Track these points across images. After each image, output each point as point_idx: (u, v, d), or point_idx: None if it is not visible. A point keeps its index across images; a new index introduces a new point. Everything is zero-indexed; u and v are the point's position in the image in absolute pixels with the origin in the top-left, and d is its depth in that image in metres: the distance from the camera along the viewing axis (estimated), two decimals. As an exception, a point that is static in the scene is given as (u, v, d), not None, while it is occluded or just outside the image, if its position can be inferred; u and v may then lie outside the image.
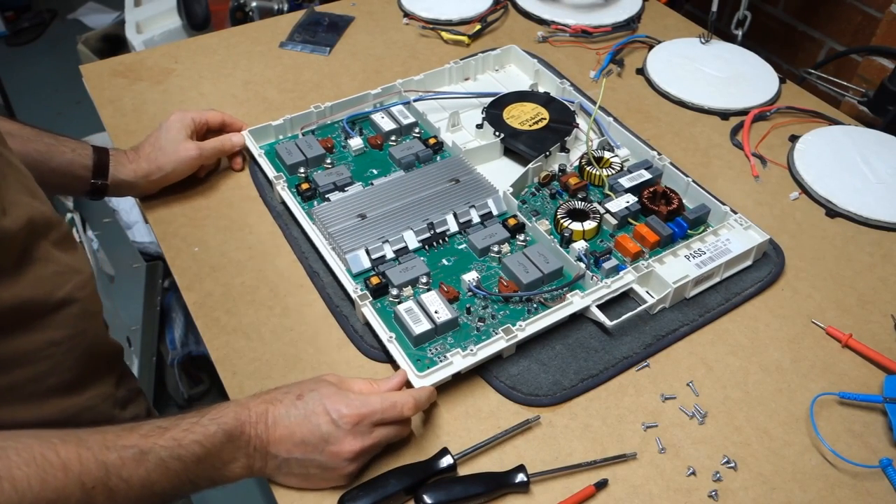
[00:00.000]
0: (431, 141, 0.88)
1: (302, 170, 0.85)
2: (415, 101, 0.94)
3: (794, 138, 0.96)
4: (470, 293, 0.73)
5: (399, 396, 0.60)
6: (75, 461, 0.47)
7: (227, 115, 0.87)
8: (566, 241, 0.77)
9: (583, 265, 0.73)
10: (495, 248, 0.76)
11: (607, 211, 0.80)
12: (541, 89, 0.99)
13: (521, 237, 0.78)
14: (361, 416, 0.57)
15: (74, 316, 0.60)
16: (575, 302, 0.70)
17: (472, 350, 0.66)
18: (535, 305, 0.72)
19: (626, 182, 0.83)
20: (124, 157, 0.79)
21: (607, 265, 0.74)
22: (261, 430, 0.56)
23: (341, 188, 0.83)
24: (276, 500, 0.60)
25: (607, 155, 0.87)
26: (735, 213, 0.80)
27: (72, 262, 0.61)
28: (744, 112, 1.00)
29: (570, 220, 0.78)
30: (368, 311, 0.69)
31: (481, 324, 0.70)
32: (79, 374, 0.62)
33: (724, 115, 1.00)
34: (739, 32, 1.12)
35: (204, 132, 0.85)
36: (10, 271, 0.54)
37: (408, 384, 0.64)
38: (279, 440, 0.56)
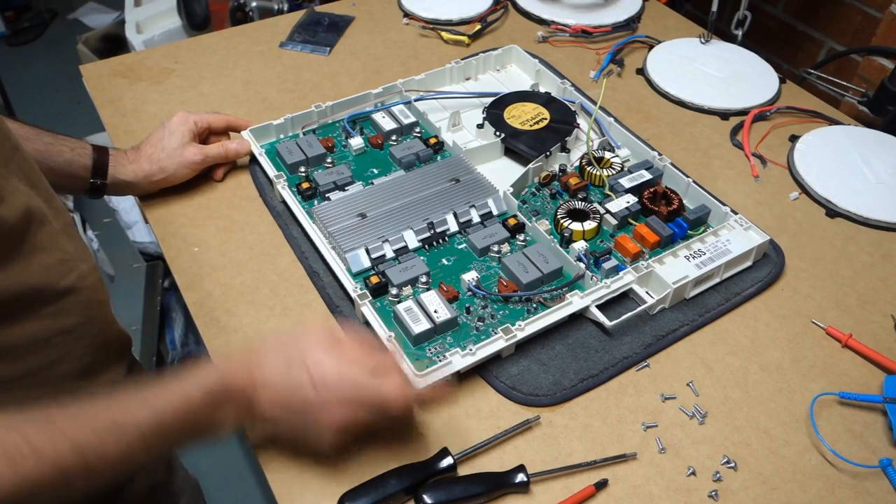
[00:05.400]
0: (432, 140, 0.88)
1: (302, 169, 0.85)
2: (416, 100, 0.94)
3: (794, 138, 0.96)
4: (469, 293, 0.73)
5: (391, 394, 0.57)
6: (48, 448, 0.46)
7: (231, 118, 0.87)
8: (566, 241, 0.77)
9: (582, 265, 0.73)
10: (495, 248, 0.76)
11: (607, 211, 0.80)
12: (542, 89, 0.99)
13: (521, 237, 0.78)
14: (347, 399, 0.56)
15: (81, 304, 0.61)
16: (574, 302, 0.70)
17: (471, 350, 0.66)
18: (534, 305, 0.72)
19: (626, 182, 0.83)
20: (124, 157, 0.79)
21: (607, 265, 0.74)
22: (246, 383, 0.56)
23: (342, 187, 0.83)
24: (276, 499, 0.60)
25: (608, 155, 0.87)
26: (735, 213, 0.80)
27: (76, 252, 0.61)
28: (744, 112, 1.00)
29: (570, 220, 0.78)
30: (368, 311, 0.69)
31: (481, 323, 0.70)
32: (90, 361, 0.63)
33: (724, 115, 1.00)
34: (739, 32, 1.12)
35: (206, 135, 0.85)
36: (12, 258, 0.54)
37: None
38: (264, 403, 0.56)
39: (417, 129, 0.91)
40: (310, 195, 0.82)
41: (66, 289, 0.59)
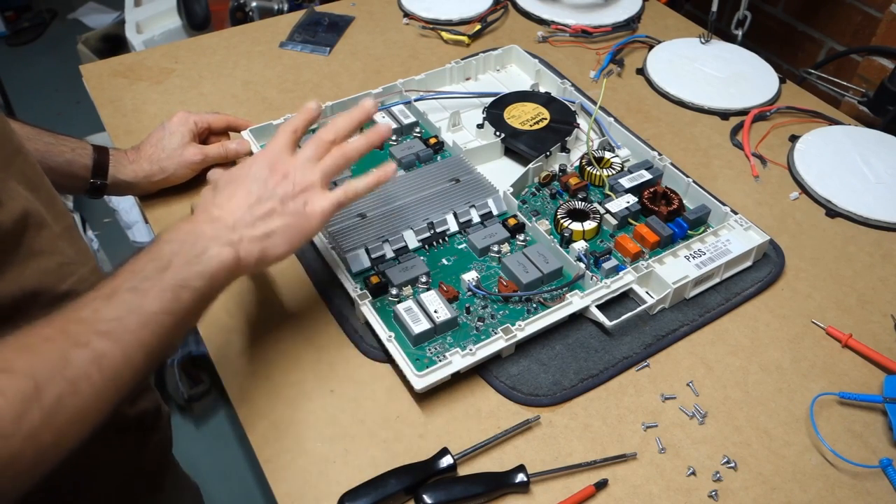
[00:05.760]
0: (432, 140, 0.88)
1: (302, 169, 0.84)
2: (416, 100, 0.94)
3: (794, 138, 0.96)
4: (469, 293, 0.73)
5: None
6: (57, 331, 0.46)
7: (231, 118, 0.87)
8: (566, 241, 0.77)
9: (582, 265, 0.73)
10: (495, 248, 0.76)
11: (607, 211, 0.80)
12: (542, 89, 0.99)
13: (521, 237, 0.78)
14: (285, 154, 0.59)
15: None
16: (574, 302, 0.70)
17: (471, 350, 0.65)
18: (534, 305, 0.72)
19: (626, 182, 0.83)
20: (124, 158, 0.79)
21: (607, 265, 0.74)
22: (204, 213, 0.56)
23: (341, 188, 0.83)
24: (276, 500, 0.60)
25: (608, 155, 0.87)
26: (735, 213, 0.80)
27: (76, 255, 0.61)
28: (744, 112, 1.00)
29: (570, 220, 0.78)
30: (368, 311, 0.69)
31: (481, 323, 0.70)
32: None
33: (724, 115, 1.00)
34: (739, 32, 1.12)
35: (206, 136, 0.85)
36: (7, 264, 0.54)
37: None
38: (224, 204, 0.56)
39: (417, 129, 0.91)
40: (310, 195, 0.82)
41: (66, 292, 0.58)
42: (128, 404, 0.70)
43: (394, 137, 0.90)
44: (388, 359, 0.67)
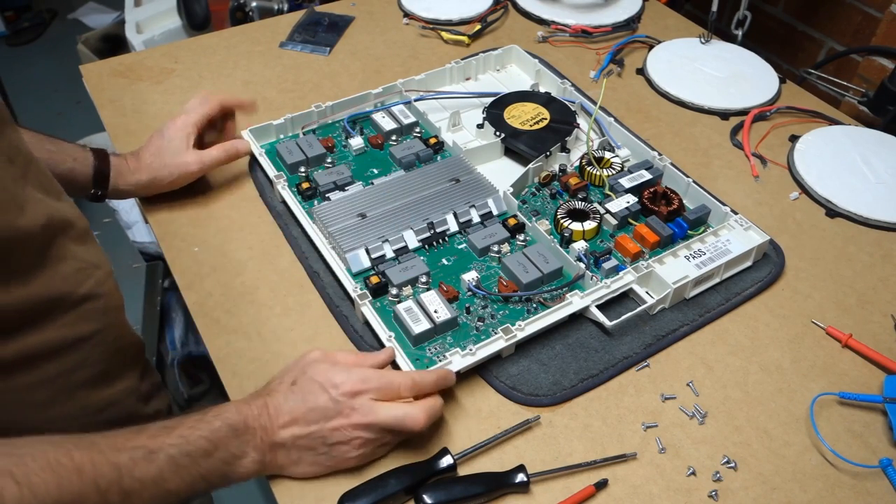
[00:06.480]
0: (432, 140, 0.88)
1: (302, 169, 0.85)
2: (416, 100, 0.94)
3: (794, 138, 0.96)
4: (469, 293, 0.73)
5: (396, 376, 0.59)
6: (89, 464, 0.47)
7: (225, 97, 0.84)
8: (566, 241, 0.77)
9: (582, 265, 0.73)
10: (495, 248, 0.76)
11: (607, 211, 0.80)
12: (542, 89, 0.99)
13: (521, 237, 0.78)
14: (356, 391, 0.57)
15: (98, 311, 0.61)
16: (574, 302, 0.70)
17: (471, 350, 0.66)
18: (534, 305, 0.72)
19: (626, 182, 0.83)
20: (125, 167, 0.79)
21: (607, 265, 0.74)
22: (265, 422, 0.57)
23: (341, 187, 0.83)
24: (276, 500, 0.60)
25: (608, 155, 0.87)
26: (735, 213, 0.80)
27: (92, 258, 0.61)
28: (744, 112, 1.00)
29: (570, 220, 0.78)
30: (368, 311, 0.69)
31: (481, 323, 0.70)
32: (106, 367, 0.63)
33: (724, 115, 1.00)
34: (739, 32, 1.12)
35: (207, 127, 0.85)
36: (33, 269, 0.55)
37: (394, 364, 0.64)
38: (283, 426, 0.57)
39: (417, 129, 0.91)
40: (310, 195, 0.82)
41: (84, 296, 0.59)
42: (143, 403, 0.70)
43: (394, 137, 0.90)
44: (388, 359, 0.67)
